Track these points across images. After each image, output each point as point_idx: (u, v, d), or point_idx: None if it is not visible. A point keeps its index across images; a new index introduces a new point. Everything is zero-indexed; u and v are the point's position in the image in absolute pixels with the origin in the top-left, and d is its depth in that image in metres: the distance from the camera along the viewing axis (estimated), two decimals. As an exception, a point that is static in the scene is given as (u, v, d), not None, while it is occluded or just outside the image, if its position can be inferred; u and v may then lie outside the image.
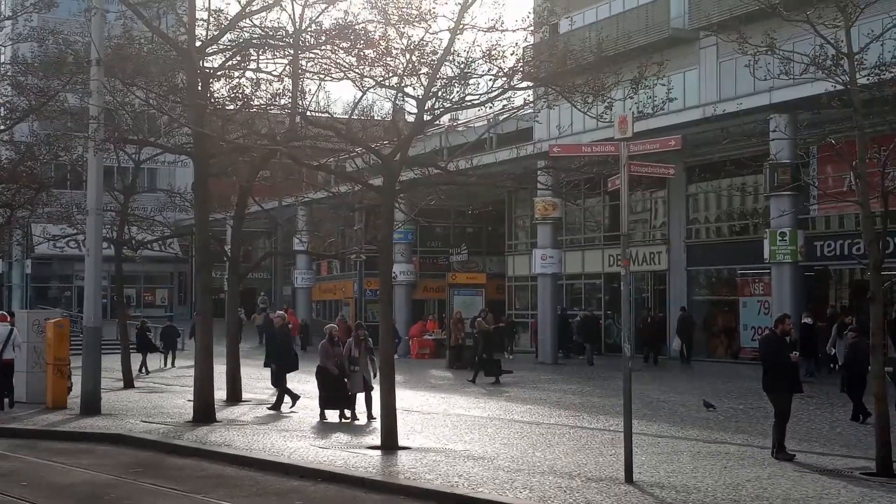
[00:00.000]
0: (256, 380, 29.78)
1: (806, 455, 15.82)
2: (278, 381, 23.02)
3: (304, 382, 24.80)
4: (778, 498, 12.53)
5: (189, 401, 21.92)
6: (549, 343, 38.23)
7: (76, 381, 22.87)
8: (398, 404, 17.24)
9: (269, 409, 22.65)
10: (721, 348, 36.23)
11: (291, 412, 22.13)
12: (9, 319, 23.55)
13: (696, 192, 37.36)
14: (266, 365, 24.43)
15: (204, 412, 20.32)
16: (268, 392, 27.20)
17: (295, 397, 22.95)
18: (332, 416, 20.68)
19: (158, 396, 25.76)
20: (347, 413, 20.66)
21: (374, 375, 18.95)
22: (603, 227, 40.81)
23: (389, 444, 16.45)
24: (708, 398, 22.86)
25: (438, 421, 20.32)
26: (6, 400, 22.37)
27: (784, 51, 14.90)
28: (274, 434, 18.33)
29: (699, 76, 36.88)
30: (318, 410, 20.95)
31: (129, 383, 28.00)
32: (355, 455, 15.87)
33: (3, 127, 28.26)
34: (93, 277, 22.01)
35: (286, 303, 53.70)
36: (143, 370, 33.66)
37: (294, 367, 23.37)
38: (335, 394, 20.66)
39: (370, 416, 20.23)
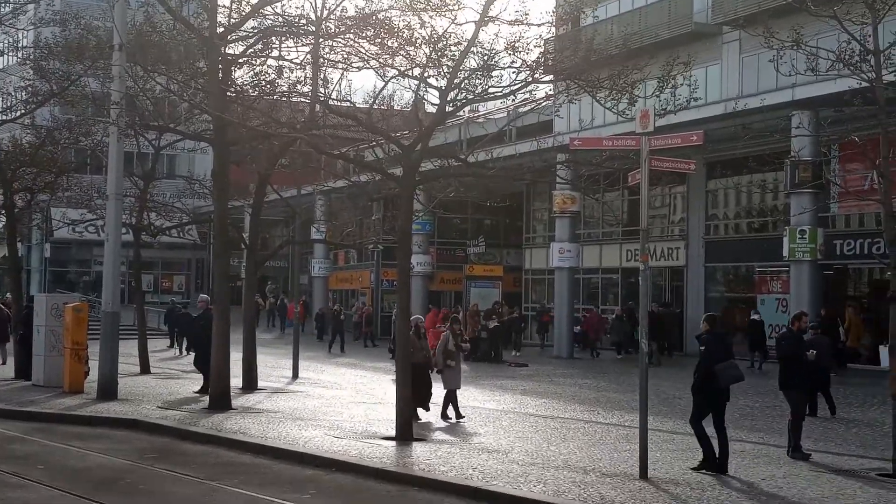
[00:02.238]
0: (272, 368, 29.90)
1: (822, 455, 15.74)
2: (201, 363, 23.18)
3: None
4: (793, 497, 12.47)
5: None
6: (564, 337, 38.16)
7: (93, 365, 22.98)
8: (414, 395, 17.24)
9: (196, 392, 22.94)
10: (737, 346, 36.06)
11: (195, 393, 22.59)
12: None
13: (715, 189, 37.23)
14: (188, 349, 24.59)
15: (220, 399, 20.37)
16: (283, 380, 27.32)
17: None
18: (423, 414, 19.16)
19: (175, 383, 25.85)
20: (420, 412, 19.01)
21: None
22: (621, 222, 40.70)
23: (404, 435, 16.46)
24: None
25: (453, 413, 20.29)
26: None
27: (810, 46, 14.80)
28: (289, 423, 18.37)
29: (721, 71, 36.68)
30: (340, 401, 20.87)
31: (145, 369, 28.10)
32: (370, 445, 15.88)
33: (24, 111, 28.41)
34: (111, 262, 22.09)
35: (303, 292, 53.79)
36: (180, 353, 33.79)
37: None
38: (416, 390, 18.77)
39: (459, 415, 19.27)
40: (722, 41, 36.70)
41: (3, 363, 30.41)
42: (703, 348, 14.35)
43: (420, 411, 19.03)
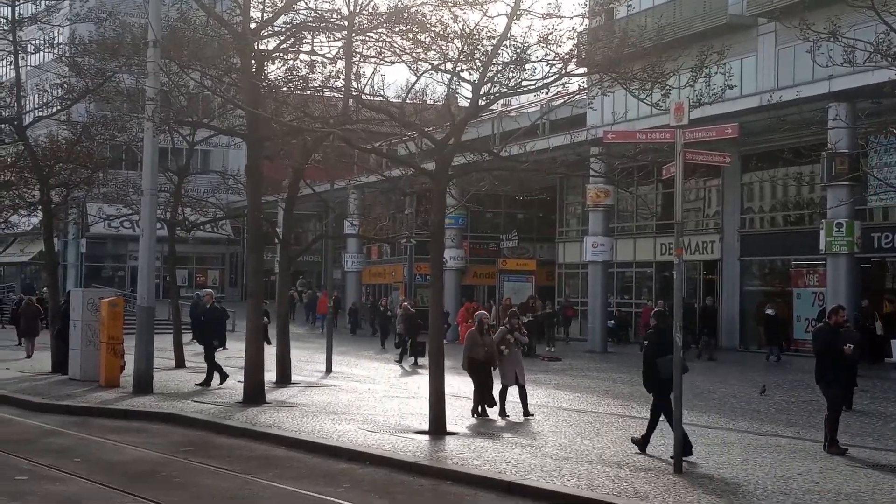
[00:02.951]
0: (306, 362, 30.01)
1: (859, 449, 15.59)
2: (210, 357, 23.47)
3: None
4: (830, 492, 12.35)
5: (239, 382, 22.11)
6: (598, 331, 38.02)
7: (129, 359, 23.17)
8: (447, 389, 17.23)
9: (198, 384, 23.13)
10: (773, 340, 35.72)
11: (221, 388, 22.71)
12: None
13: (751, 181, 36.93)
14: (199, 341, 24.63)
15: (254, 393, 20.45)
16: (317, 374, 27.40)
17: (224, 375, 23.25)
18: (488, 410, 18.98)
19: (209, 376, 25.98)
20: (489, 410, 18.89)
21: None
22: (655, 216, 40.49)
23: (437, 429, 16.46)
24: (765, 386, 23.20)
25: (520, 409, 20.21)
26: None
27: (847, 38, 14.64)
28: (323, 416, 18.42)
29: (757, 63, 36.38)
30: (374, 395, 20.84)
31: (180, 363, 28.27)
32: (403, 439, 15.89)
33: (60, 107, 28.63)
34: (147, 257, 22.25)
35: (336, 286, 53.90)
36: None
37: (223, 344, 23.89)
38: (481, 386, 18.90)
39: (526, 413, 18.84)
40: (757, 33, 36.40)
41: (30, 356, 30.94)
42: (646, 342, 15.59)
43: (488, 408, 18.87)
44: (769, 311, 33.09)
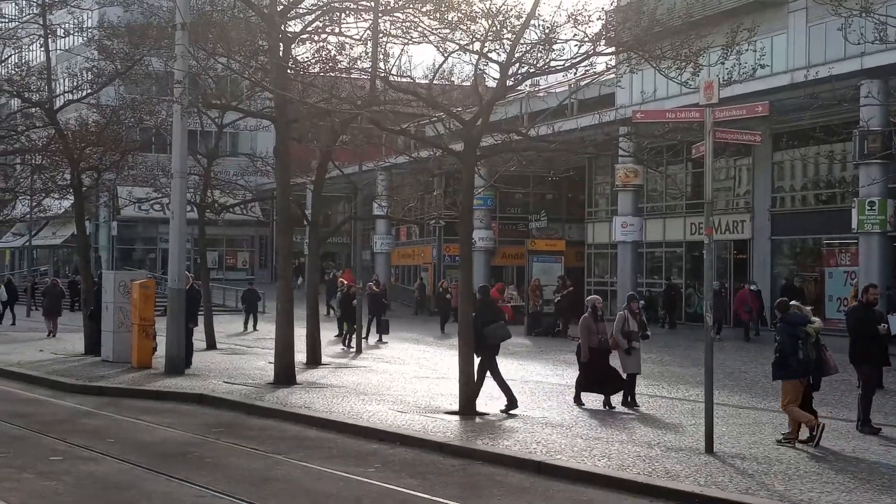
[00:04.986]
0: (335, 343, 30.09)
1: (892, 429, 15.48)
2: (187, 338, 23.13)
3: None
4: (863, 472, 12.28)
5: (269, 363, 22.21)
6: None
7: (160, 341, 23.32)
8: (476, 370, 17.24)
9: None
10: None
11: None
12: None
13: (781, 160, 36.62)
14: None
15: (284, 374, 20.55)
16: (347, 355, 27.47)
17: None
18: (587, 399, 17.87)
19: (240, 358, 26.14)
20: (613, 400, 17.61)
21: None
22: (685, 195, 40.26)
23: (468, 409, 16.48)
24: None
25: (516, 388, 20.16)
26: None
27: (879, 14, 14.46)
28: (353, 397, 18.48)
29: (788, 41, 36.00)
30: (404, 376, 20.89)
31: (211, 344, 28.44)
32: (433, 420, 15.92)
33: (90, 91, 28.77)
34: (177, 240, 22.36)
35: (366, 268, 54.02)
36: (347, 344, 29.98)
37: (194, 324, 23.80)
38: (597, 376, 17.69)
39: (634, 403, 17.71)
40: (788, 9, 35.98)
41: (54, 336, 32.19)
42: (475, 314, 17.07)
43: (589, 395, 17.88)
44: (752, 287, 33.44)
